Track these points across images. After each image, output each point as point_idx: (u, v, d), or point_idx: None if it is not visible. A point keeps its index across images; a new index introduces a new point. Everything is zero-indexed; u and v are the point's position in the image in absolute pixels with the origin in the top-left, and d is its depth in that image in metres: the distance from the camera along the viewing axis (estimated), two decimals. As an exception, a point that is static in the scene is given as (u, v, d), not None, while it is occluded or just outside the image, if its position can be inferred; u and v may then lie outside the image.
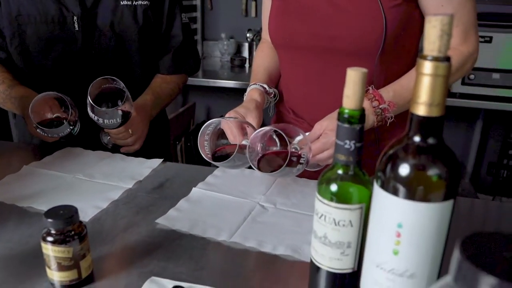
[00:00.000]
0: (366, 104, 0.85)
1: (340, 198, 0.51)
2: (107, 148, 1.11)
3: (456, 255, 0.31)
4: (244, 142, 0.84)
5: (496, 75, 2.11)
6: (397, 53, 0.91)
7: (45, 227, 0.59)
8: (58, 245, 0.58)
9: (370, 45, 0.87)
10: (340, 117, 0.49)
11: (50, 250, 0.58)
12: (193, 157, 2.78)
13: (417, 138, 0.44)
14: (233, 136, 0.84)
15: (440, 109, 0.42)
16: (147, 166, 0.99)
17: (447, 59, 0.41)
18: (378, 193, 0.46)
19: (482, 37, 2.05)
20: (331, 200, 0.51)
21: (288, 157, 0.74)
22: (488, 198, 2.35)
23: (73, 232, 0.59)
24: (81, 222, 0.61)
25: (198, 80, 2.65)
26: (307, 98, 0.99)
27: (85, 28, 1.13)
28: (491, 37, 2.07)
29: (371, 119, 0.85)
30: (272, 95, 1.02)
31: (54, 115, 1.02)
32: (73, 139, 1.05)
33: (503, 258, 0.29)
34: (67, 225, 0.58)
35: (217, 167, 0.97)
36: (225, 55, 2.98)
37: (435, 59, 0.41)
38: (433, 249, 0.44)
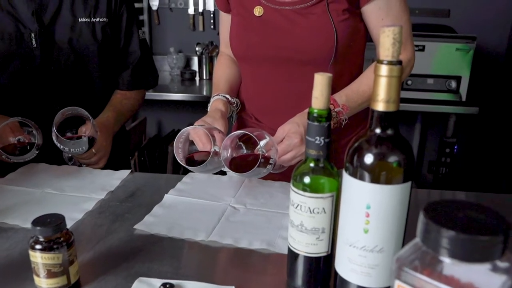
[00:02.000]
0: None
1: (313, 188, 0.57)
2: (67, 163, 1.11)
3: (421, 218, 0.38)
4: (215, 148, 0.89)
5: (430, 80, 2.31)
6: (347, 61, 1.00)
7: (33, 235, 0.60)
8: (47, 252, 0.60)
9: (323, 55, 0.96)
10: (310, 116, 0.56)
11: (39, 258, 0.60)
12: (147, 171, 2.77)
13: (377, 130, 0.51)
14: (202, 143, 0.89)
15: (395, 105, 0.50)
16: (117, 177, 1.01)
17: (399, 62, 0.49)
18: (348, 180, 0.53)
19: (416, 46, 2.24)
20: (305, 190, 0.57)
21: (260, 158, 0.80)
22: (430, 194, 2.54)
23: (61, 239, 0.61)
24: (67, 229, 0.63)
25: (149, 94, 2.65)
26: (267, 104, 1.06)
27: (43, 44, 1.14)
28: (424, 46, 2.27)
29: None
30: (234, 104, 1.08)
31: (17, 139, 1.01)
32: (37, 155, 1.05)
33: (459, 217, 0.37)
34: (56, 232, 0.60)
35: (185, 174, 1.02)
36: (175, 69, 3.00)
37: (390, 63, 0.49)
38: (398, 225, 0.52)
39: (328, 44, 0.94)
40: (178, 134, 0.86)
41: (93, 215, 0.85)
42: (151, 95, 2.65)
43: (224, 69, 1.15)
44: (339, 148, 1.05)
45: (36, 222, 0.60)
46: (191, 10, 2.95)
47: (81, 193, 0.93)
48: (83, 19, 1.18)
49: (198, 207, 0.88)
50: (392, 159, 0.51)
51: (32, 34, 1.13)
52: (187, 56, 3.02)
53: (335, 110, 0.93)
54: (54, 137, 0.98)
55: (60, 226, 0.61)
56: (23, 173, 1.03)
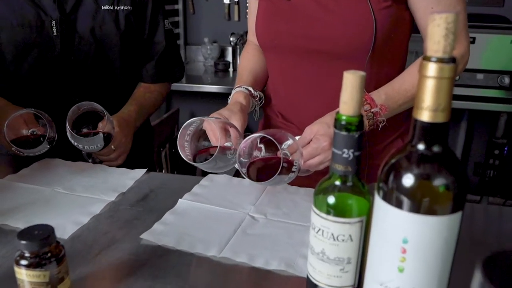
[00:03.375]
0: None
1: (339, 211, 0.47)
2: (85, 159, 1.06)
3: (477, 276, 0.28)
4: (227, 144, 0.80)
5: (480, 76, 2.12)
6: (387, 55, 0.89)
7: (18, 249, 0.54)
8: (33, 269, 0.53)
9: (360, 47, 0.84)
10: (337, 124, 0.46)
11: (24, 275, 0.53)
12: (179, 164, 2.73)
13: (421, 146, 0.41)
14: (215, 138, 0.81)
15: (446, 114, 0.39)
16: (130, 177, 0.94)
17: (453, 60, 0.38)
18: (380, 205, 0.43)
19: (465, 38, 2.06)
20: (329, 213, 0.48)
21: (281, 165, 0.70)
22: (475, 199, 2.35)
23: (49, 254, 0.54)
24: (58, 242, 0.56)
25: (182, 86, 2.61)
26: (295, 101, 0.96)
27: (64, 33, 1.08)
28: (474, 38, 2.08)
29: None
30: (258, 98, 0.99)
31: (30, 131, 0.96)
32: (52, 149, 1.00)
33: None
34: (43, 246, 0.54)
35: (203, 176, 0.93)
36: (209, 59, 2.94)
37: (440, 60, 0.38)
38: (441, 265, 0.41)
39: (366, 36, 0.83)
40: (184, 126, 0.77)
41: (100, 220, 0.79)
42: (184, 86, 2.61)
43: (249, 59, 1.06)
44: (374, 154, 0.94)
45: (21, 234, 0.54)
46: (226, 0, 2.86)
47: (91, 194, 0.87)
48: (106, 7, 1.12)
49: (213, 215, 0.80)
50: (439, 182, 0.40)
51: (53, 22, 1.07)
52: (222, 47, 2.94)
53: (372, 110, 0.82)
54: (68, 135, 0.92)
55: (48, 239, 0.54)
56: (36, 169, 0.98)
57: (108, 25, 1.12)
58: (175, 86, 2.66)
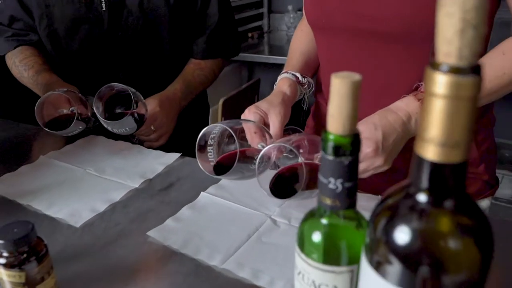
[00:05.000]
0: (415, 105, 0.66)
1: (323, 255, 0.36)
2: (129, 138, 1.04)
3: None
4: (259, 146, 0.70)
5: None
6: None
7: (-3, 246, 0.52)
8: (9, 268, 0.51)
9: (423, 28, 0.68)
10: (323, 145, 0.34)
11: (3, 274, 0.51)
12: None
13: (422, 197, 0.28)
14: (251, 137, 0.72)
15: (461, 151, 0.26)
16: (161, 162, 0.90)
17: (475, 69, 0.24)
18: (367, 272, 0.31)
19: None
20: (311, 256, 0.37)
21: (305, 177, 0.59)
22: None
23: (26, 254, 0.51)
24: (41, 240, 0.53)
25: (263, 57, 2.53)
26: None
27: (112, 7, 1.05)
28: None
29: None
30: (306, 85, 0.86)
31: (70, 110, 0.95)
32: (101, 126, 0.99)
33: None
34: (20, 246, 0.51)
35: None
36: (291, 28, 2.80)
37: (454, 70, 0.24)
38: None
39: (427, 14, 0.66)
40: (203, 132, 0.68)
41: (116, 209, 0.75)
42: (265, 58, 2.52)
43: (302, 38, 0.93)
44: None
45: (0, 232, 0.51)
46: (311, -37, 2.66)
47: (118, 178, 0.85)
48: None
49: (231, 214, 0.72)
50: (451, 250, 0.27)
51: (102, -4, 1.05)
52: (305, 15, 2.78)
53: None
54: (98, 116, 0.90)
55: (26, 238, 0.51)
56: (79, 146, 0.99)
57: None
58: (256, 57, 2.59)
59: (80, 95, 0.93)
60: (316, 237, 0.37)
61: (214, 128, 0.68)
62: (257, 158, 0.64)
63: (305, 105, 0.95)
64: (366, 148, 0.63)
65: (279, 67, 2.88)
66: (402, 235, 0.28)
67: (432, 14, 0.65)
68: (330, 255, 0.36)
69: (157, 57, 1.11)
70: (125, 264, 0.62)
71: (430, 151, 0.26)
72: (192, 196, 0.77)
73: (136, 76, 1.10)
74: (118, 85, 0.89)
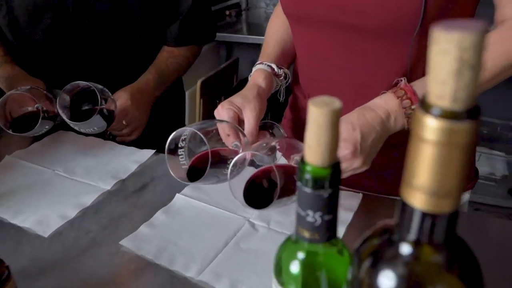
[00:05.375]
0: (394, 102, 0.64)
1: (303, 286, 0.34)
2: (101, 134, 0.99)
3: None
4: (233, 146, 0.67)
5: None
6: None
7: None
8: (-34, 295, 0.47)
9: (404, 23, 0.64)
10: (300, 175, 0.31)
11: (-40, 300, 0.48)
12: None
13: (406, 249, 0.25)
14: (225, 136, 0.68)
15: (453, 200, 0.23)
16: (135, 160, 0.86)
17: (471, 113, 0.21)
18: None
19: None
20: (288, 287, 0.34)
21: (279, 183, 0.56)
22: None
23: (-14, 279, 0.47)
24: (2, 262, 0.49)
25: (241, 37, 2.46)
26: (324, 84, 0.79)
27: (77, -7, 0.98)
28: None
29: (400, 122, 0.64)
30: (282, 77, 0.82)
31: (36, 106, 0.89)
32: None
33: None
34: (-23, 271, 0.47)
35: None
36: (270, 5, 2.73)
37: (447, 114, 0.21)
38: None
39: (413, 6, 0.62)
40: (173, 136, 0.63)
41: (87, 214, 0.72)
42: (243, 38, 2.46)
43: (278, 26, 0.88)
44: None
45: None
46: None
47: (89, 179, 0.80)
48: None
49: (208, 218, 0.70)
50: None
51: (65, -20, 0.98)
52: (284, -8, 2.70)
53: (413, 107, 0.63)
54: (63, 117, 0.85)
55: (-15, 263, 0.47)
56: (46, 144, 0.93)
57: None
58: (235, 36, 2.52)
59: (45, 92, 0.88)
60: (294, 268, 0.34)
61: (184, 132, 0.64)
62: (230, 163, 0.61)
63: (281, 97, 0.91)
64: (345, 150, 0.60)
65: (258, 47, 2.80)
66: (388, 283, 0.25)
67: (416, 9, 0.62)
68: (311, 286, 0.34)
69: (127, 46, 1.06)
70: (97, 277, 0.59)
71: (418, 199, 0.23)
72: (167, 198, 0.74)
73: (106, 67, 1.04)
74: (82, 83, 0.83)
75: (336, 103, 0.28)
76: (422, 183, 0.23)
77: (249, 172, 0.66)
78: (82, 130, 0.86)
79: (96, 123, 0.85)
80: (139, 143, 0.96)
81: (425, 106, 0.22)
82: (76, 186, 0.79)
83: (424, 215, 0.23)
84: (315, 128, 0.29)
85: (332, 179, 0.30)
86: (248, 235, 0.66)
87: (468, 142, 0.21)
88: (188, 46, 1.12)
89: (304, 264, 0.34)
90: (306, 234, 0.33)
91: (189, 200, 0.74)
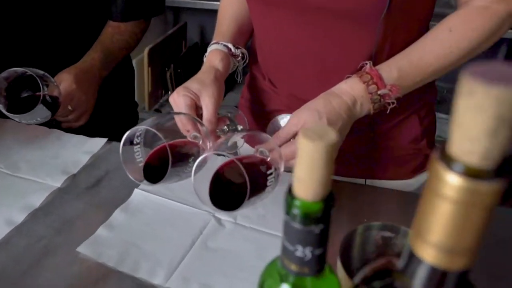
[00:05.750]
0: (360, 88, 0.62)
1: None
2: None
3: None
4: (192, 136, 0.62)
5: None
6: (406, 15, 0.65)
7: None
8: None
9: (372, 5, 0.61)
10: (288, 210, 0.28)
11: None
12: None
13: None
14: (183, 127, 0.63)
15: (468, 258, 0.21)
16: (85, 151, 0.79)
17: (500, 171, 0.19)
18: None
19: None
20: (276, 320, 0.32)
21: (248, 188, 0.52)
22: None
23: None
24: None
25: (189, 2, 2.33)
26: (284, 66, 0.75)
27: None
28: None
29: (366, 108, 0.63)
30: (240, 57, 0.77)
31: None
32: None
33: None
34: None
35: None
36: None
37: (474, 172, 0.19)
38: None
39: None
40: (127, 136, 0.57)
41: (37, 218, 0.66)
42: (192, 3, 2.32)
43: (232, 1, 0.82)
44: (381, 134, 0.75)
45: None
46: None
47: (35, 176, 0.73)
48: None
49: (171, 215, 0.66)
50: None
51: None
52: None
53: (379, 92, 0.62)
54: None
55: None
56: (-18, 135, 0.84)
57: None
58: (182, 2, 2.39)
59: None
60: (280, 298, 0.32)
61: (137, 130, 0.58)
62: (191, 162, 0.57)
63: (239, 77, 0.86)
64: None
65: (206, 12, 2.67)
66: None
67: None
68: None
69: (69, 21, 0.95)
70: (53, 291, 0.54)
71: (430, 254, 0.21)
72: (124, 193, 0.70)
73: (46, 45, 0.94)
74: (19, 69, 0.74)
75: (331, 134, 0.25)
76: (437, 239, 0.21)
77: (212, 166, 0.62)
78: (24, 122, 0.77)
79: (40, 113, 0.76)
80: (88, 130, 0.89)
81: (446, 159, 0.19)
82: (21, 184, 0.72)
83: (434, 270, 0.21)
84: (309, 163, 0.26)
85: (324, 214, 0.28)
86: (214, 232, 0.63)
87: (493, 202, 0.19)
88: (135, 21, 1.03)
89: (290, 295, 0.32)
90: (294, 268, 0.30)
91: (148, 195, 0.69)
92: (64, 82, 0.85)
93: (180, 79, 2.55)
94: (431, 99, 0.79)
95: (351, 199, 0.70)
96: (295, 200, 0.27)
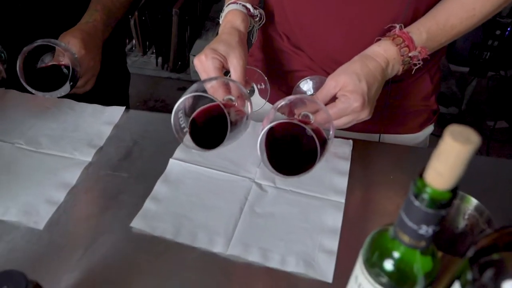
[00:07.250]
0: (393, 50, 0.64)
1: (395, 281, 0.37)
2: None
3: None
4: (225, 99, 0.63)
5: None
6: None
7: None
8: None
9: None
10: (418, 196, 0.32)
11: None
12: (150, 32, 2.46)
13: None
14: (213, 89, 0.64)
15: None
16: (106, 122, 0.78)
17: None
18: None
19: None
20: (381, 283, 0.37)
21: (318, 157, 0.55)
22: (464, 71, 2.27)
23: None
24: (38, 286, 0.45)
25: None
26: (308, 25, 0.75)
27: None
28: None
29: (396, 69, 0.66)
30: (258, 18, 0.77)
31: None
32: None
33: None
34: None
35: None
36: None
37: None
38: None
39: None
40: (176, 110, 0.58)
41: (78, 196, 0.66)
42: None
43: None
44: (396, 91, 0.79)
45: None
46: None
47: (61, 151, 0.72)
48: None
49: (213, 185, 0.68)
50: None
51: None
52: None
53: (410, 54, 0.65)
54: (23, 82, 0.72)
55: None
56: (-13, 109, 0.80)
57: None
58: None
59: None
60: (389, 266, 0.37)
61: (179, 105, 0.59)
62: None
63: (253, 38, 0.86)
64: (354, 103, 0.61)
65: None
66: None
67: None
68: (403, 279, 0.37)
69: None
70: (124, 267, 0.57)
71: None
72: (159, 165, 0.70)
73: (41, 3, 0.87)
74: (38, 41, 0.70)
75: (475, 138, 0.29)
76: None
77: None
78: (47, 96, 0.74)
79: (65, 90, 0.73)
80: (90, 95, 0.87)
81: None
82: (49, 161, 0.70)
83: None
84: (453, 161, 0.29)
85: (451, 200, 0.32)
86: (259, 198, 0.66)
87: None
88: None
89: (400, 264, 0.36)
90: (412, 242, 0.35)
91: (185, 165, 0.71)
92: (73, 48, 0.81)
93: (146, 27, 2.44)
94: (440, 57, 0.84)
95: (382, 161, 0.74)
96: (429, 188, 0.31)
